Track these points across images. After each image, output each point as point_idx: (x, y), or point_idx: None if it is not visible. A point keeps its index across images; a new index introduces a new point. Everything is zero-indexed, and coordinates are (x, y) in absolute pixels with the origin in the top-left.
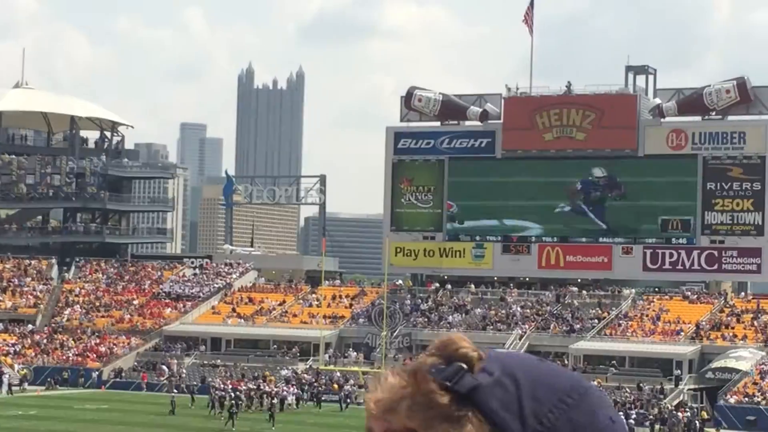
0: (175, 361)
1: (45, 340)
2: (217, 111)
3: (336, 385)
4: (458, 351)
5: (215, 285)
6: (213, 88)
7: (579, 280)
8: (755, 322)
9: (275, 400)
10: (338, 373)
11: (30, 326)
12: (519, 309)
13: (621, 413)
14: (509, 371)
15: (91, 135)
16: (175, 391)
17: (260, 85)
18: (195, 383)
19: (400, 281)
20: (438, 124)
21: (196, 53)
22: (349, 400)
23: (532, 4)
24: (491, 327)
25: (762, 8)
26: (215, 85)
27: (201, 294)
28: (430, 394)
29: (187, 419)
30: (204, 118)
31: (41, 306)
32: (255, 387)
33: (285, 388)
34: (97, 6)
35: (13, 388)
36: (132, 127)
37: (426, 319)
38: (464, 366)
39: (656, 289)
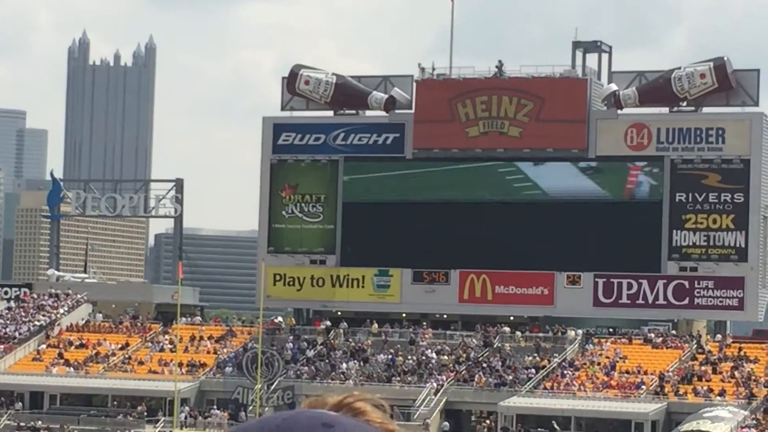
0: None
1: None
2: (41, 94)
3: None
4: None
5: (36, 323)
6: (34, 65)
7: (512, 318)
8: (736, 373)
9: None
10: None
11: None
12: (434, 355)
13: None
14: None
15: None
16: None
17: (97, 60)
18: None
19: (280, 318)
20: (331, 113)
21: (10, 19)
22: None
23: None
24: (398, 378)
25: None
26: (37, 60)
27: (17, 334)
28: None
29: None
30: (22, 104)
31: None
32: None
33: None
34: None
35: None
36: None
37: (314, 368)
38: None
39: (611, 330)
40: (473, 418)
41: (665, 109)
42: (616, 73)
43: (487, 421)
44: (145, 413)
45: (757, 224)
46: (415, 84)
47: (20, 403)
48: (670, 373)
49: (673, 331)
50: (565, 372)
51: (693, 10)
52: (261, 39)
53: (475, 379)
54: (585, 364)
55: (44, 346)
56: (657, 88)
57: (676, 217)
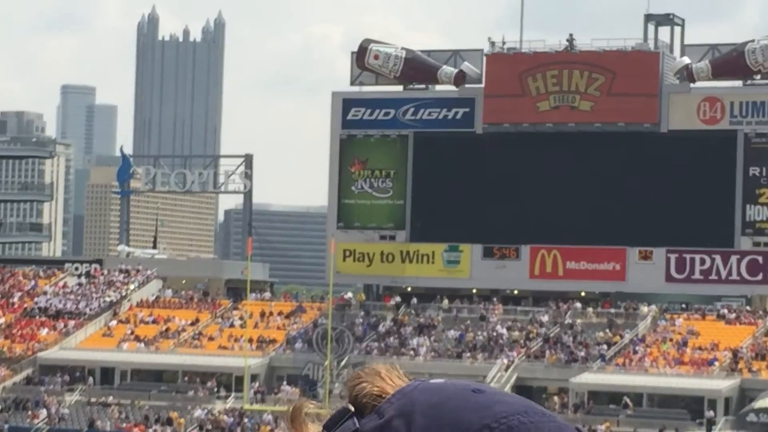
0: (54, 398)
1: None
2: (110, 70)
3: (266, 428)
4: (355, 387)
5: (106, 298)
6: (104, 40)
7: (583, 294)
8: None
9: None
10: (268, 414)
11: None
12: (505, 331)
13: None
14: (407, 411)
15: None
16: None
17: (166, 36)
18: (79, 428)
19: (350, 294)
20: (400, 88)
21: None
22: None
23: None
24: (468, 354)
25: None
26: (107, 36)
27: (88, 310)
28: None
29: None
30: (92, 79)
31: None
32: None
33: None
34: None
35: None
36: None
37: (383, 344)
38: (350, 408)
39: (683, 306)
40: (544, 395)
41: (739, 83)
42: (689, 46)
43: (556, 398)
44: (215, 389)
45: None
46: (485, 58)
47: (91, 379)
48: (744, 350)
49: (747, 307)
50: (637, 348)
51: None
52: (330, 13)
53: (546, 356)
54: (657, 340)
55: (114, 322)
56: (730, 61)
57: (750, 191)
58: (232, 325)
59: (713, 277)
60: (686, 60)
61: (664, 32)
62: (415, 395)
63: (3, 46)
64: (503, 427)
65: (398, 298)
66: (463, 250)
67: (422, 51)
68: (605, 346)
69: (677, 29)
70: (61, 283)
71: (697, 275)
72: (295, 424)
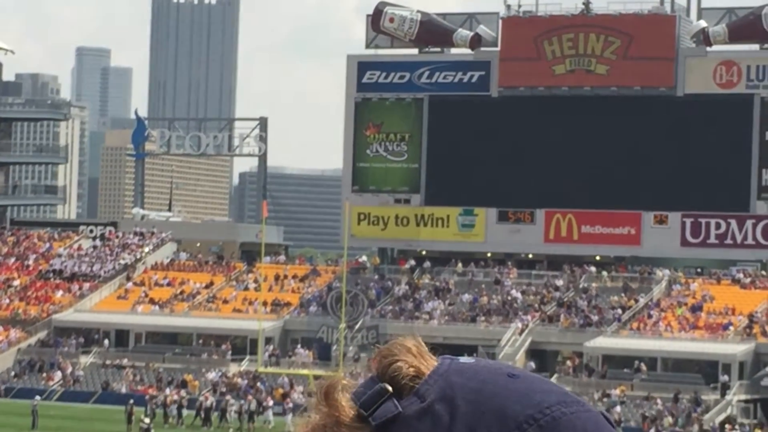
0: (69, 360)
1: None
2: (125, 32)
3: (280, 391)
4: (390, 365)
5: (121, 261)
6: (119, 3)
7: (598, 258)
8: None
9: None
10: (284, 378)
11: None
12: (519, 295)
13: (652, 431)
14: (448, 395)
15: None
16: None
17: None
18: (94, 390)
19: (365, 258)
20: (415, 51)
21: None
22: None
23: None
24: (483, 318)
25: None
26: None
27: (102, 273)
28: (339, 423)
29: None
30: (107, 41)
31: None
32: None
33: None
34: None
35: None
36: (12, 52)
37: (398, 308)
38: (388, 388)
39: (698, 271)
40: (559, 358)
41: (755, 46)
42: (706, 10)
43: (569, 362)
44: (230, 352)
45: None
46: (500, 21)
47: (105, 341)
48: (759, 314)
49: (762, 272)
50: (652, 312)
51: None
52: None
53: (561, 320)
54: (672, 304)
55: (129, 284)
56: (747, 25)
57: (766, 156)
58: (246, 288)
59: (728, 241)
60: (703, 23)
61: None
62: (452, 378)
63: (18, 8)
64: (548, 418)
65: (413, 262)
66: (477, 213)
67: (437, 14)
68: (620, 310)
69: None
70: (75, 246)
71: (712, 239)
72: (329, 401)
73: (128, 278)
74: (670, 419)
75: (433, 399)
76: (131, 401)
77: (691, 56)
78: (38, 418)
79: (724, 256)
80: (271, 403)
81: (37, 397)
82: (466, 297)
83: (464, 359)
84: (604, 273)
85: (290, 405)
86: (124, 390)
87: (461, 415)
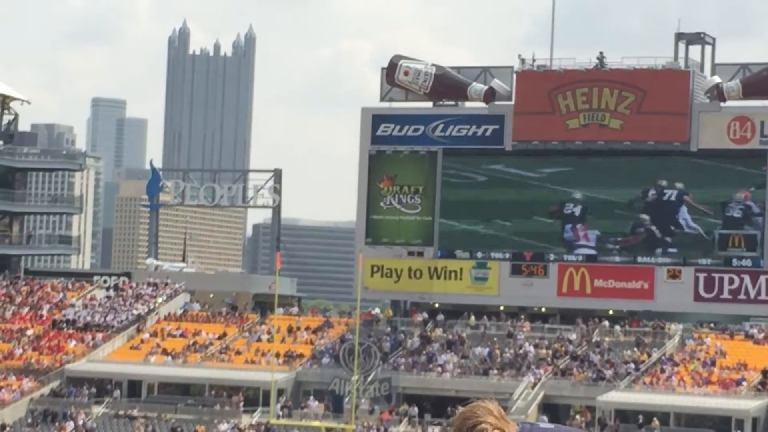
0: (81, 410)
1: None
2: (140, 83)
3: None
4: (475, 427)
5: (134, 311)
6: (134, 54)
7: (611, 312)
8: None
9: None
10: (295, 430)
11: None
12: (532, 348)
13: None
14: None
15: None
16: None
17: (197, 50)
18: None
19: (378, 310)
20: (430, 105)
21: (111, 7)
22: None
23: None
24: (495, 372)
25: None
26: (137, 49)
27: (116, 323)
28: None
29: None
30: (123, 93)
31: None
32: None
33: None
34: None
35: None
36: (28, 102)
37: (411, 360)
38: None
39: (712, 326)
40: (572, 413)
41: None
42: (720, 65)
43: (578, 417)
44: (242, 403)
45: None
46: (515, 75)
47: (118, 392)
48: None
49: None
50: (665, 367)
51: None
52: (359, 28)
53: (573, 373)
54: (685, 359)
55: (143, 335)
56: (761, 81)
57: None
58: (259, 340)
59: (742, 296)
60: (717, 79)
61: (695, 51)
62: None
63: (34, 58)
64: None
65: (426, 315)
66: (491, 267)
67: (452, 67)
68: (633, 365)
69: (708, 48)
70: (89, 296)
71: (725, 294)
72: None
73: (141, 329)
74: None
75: None
76: None
77: (705, 111)
78: None
79: (738, 311)
80: None
81: None
82: (479, 350)
83: (544, 425)
84: (617, 327)
85: None
86: None
87: None
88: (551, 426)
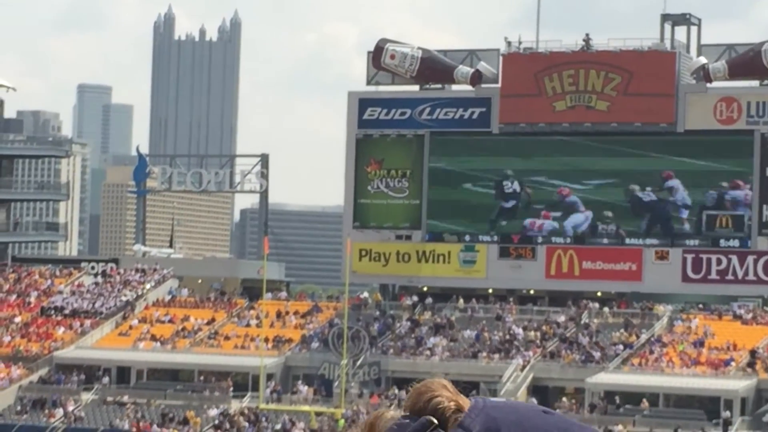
0: (71, 397)
1: None
2: (126, 69)
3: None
4: (431, 402)
5: (122, 298)
6: (120, 40)
7: (599, 294)
8: None
9: None
10: (285, 414)
11: None
12: (521, 331)
13: None
14: (493, 427)
15: None
16: None
17: (182, 35)
18: (95, 427)
19: (366, 294)
20: (416, 88)
21: None
22: None
23: None
24: (484, 354)
25: None
26: (123, 35)
27: (104, 310)
28: None
29: None
30: (108, 79)
31: None
32: None
33: None
34: None
35: None
36: (13, 89)
37: (400, 344)
38: (434, 421)
39: (700, 306)
40: (560, 395)
41: (755, 83)
42: (706, 46)
43: (565, 399)
44: (231, 388)
45: None
46: (501, 58)
47: (107, 378)
48: (761, 350)
49: (764, 307)
50: (654, 348)
51: None
52: (345, 12)
53: (562, 356)
54: (674, 340)
55: (131, 321)
56: (747, 62)
57: (767, 192)
58: (248, 325)
59: (729, 277)
60: (703, 60)
61: (681, 32)
62: (491, 413)
63: (19, 45)
64: None
65: (414, 298)
66: (479, 250)
67: (438, 51)
68: (621, 346)
69: (693, 29)
70: (77, 282)
71: (713, 275)
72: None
73: (129, 315)
74: None
75: (479, 430)
76: None
77: (691, 92)
78: None
79: (726, 292)
80: None
81: None
82: (468, 333)
83: (495, 399)
84: (606, 309)
85: None
86: (126, 427)
87: None
88: (502, 400)
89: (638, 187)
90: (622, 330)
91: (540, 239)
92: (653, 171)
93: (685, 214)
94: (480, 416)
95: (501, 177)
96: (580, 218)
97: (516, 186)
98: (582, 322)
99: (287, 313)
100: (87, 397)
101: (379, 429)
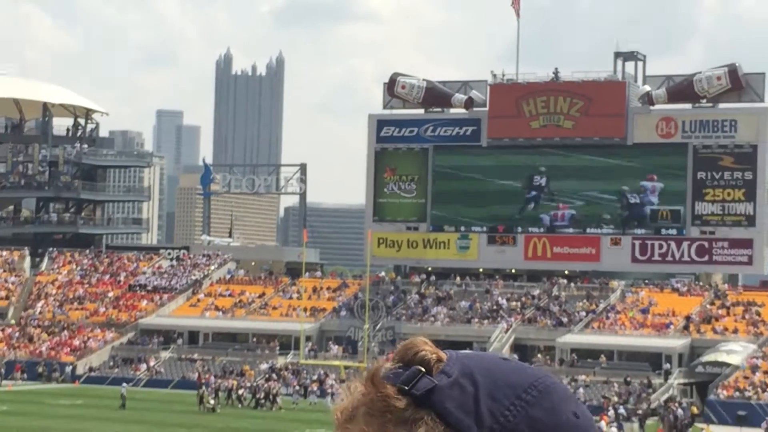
0: (152, 355)
1: (17, 334)
2: (195, 97)
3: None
4: (417, 355)
5: (192, 277)
6: (190, 74)
7: (567, 272)
8: (746, 315)
9: (267, 394)
10: (320, 368)
11: (1, 320)
12: (505, 301)
13: (610, 408)
14: (468, 372)
15: (64, 122)
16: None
17: (239, 71)
18: (172, 378)
19: (383, 273)
20: (422, 111)
21: (171, 38)
22: (330, 397)
23: None
24: (476, 320)
25: None
26: (192, 71)
27: (178, 286)
28: (386, 399)
29: (164, 415)
30: (181, 105)
31: (13, 299)
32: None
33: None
34: None
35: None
36: (107, 114)
37: (410, 312)
38: (422, 369)
39: (645, 281)
40: (536, 351)
41: (689, 105)
42: (650, 77)
43: (540, 355)
44: (278, 348)
45: (763, 196)
46: (488, 87)
47: (180, 340)
48: (694, 316)
49: (696, 282)
50: (609, 315)
51: (709, 26)
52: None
53: (538, 321)
54: (625, 308)
55: (199, 295)
56: (682, 89)
57: (698, 191)
58: (291, 298)
59: (669, 258)
60: (647, 88)
61: (630, 66)
62: (465, 361)
63: (111, 80)
64: (543, 386)
65: (422, 276)
66: (472, 238)
67: (439, 81)
68: (584, 313)
69: (640, 63)
70: (157, 265)
71: (656, 257)
72: (376, 382)
73: (197, 290)
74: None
75: (458, 375)
76: (203, 387)
77: (638, 113)
78: (126, 401)
79: (666, 270)
80: (314, 388)
81: (124, 384)
82: (464, 303)
83: (466, 351)
84: (572, 284)
85: (330, 390)
86: (195, 378)
87: (481, 385)
88: (471, 352)
89: (596, 187)
90: (584, 300)
91: (520, 229)
92: (609, 174)
93: (634, 208)
94: (456, 364)
95: (494, 177)
96: (555, 211)
97: (506, 187)
98: (553, 294)
99: (321, 288)
100: (165, 355)
101: (378, 378)
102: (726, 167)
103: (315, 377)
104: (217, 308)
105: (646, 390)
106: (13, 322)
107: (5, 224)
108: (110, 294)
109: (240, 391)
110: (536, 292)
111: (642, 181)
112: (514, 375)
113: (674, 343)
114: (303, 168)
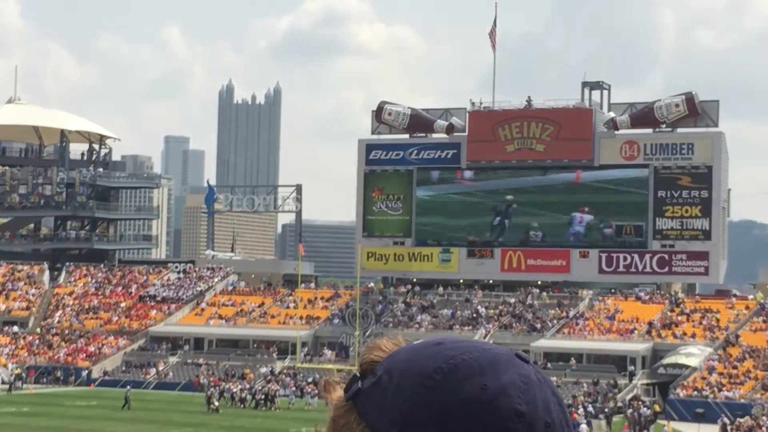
0: (161, 360)
1: (37, 341)
2: (199, 124)
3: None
4: (364, 359)
5: (198, 288)
6: (195, 103)
7: (539, 282)
8: (703, 321)
9: (265, 396)
10: (315, 372)
11: (22, 328)
12: (483, 309)
13: (580, 406)
14: (390, 367)
15: (80, 147)
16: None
17: (240, 100)
18: (179, 381)
19: (372, 284)
20: (407, 136)
21: (178, 70)
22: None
23: (495, 22)
24: (457, 326)
25: (704, 28)
26: (197, 100)
27: (184, 297)
28: (334, 408)
29: (172, 415)
30: (187, 131)
31: (33, 309)
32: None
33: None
34: (80, 25)
35: (14, 385)
36: (119, 140)
37: (396, 320)
38: (357, 374)
39: (611, 291)
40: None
41: (650, 130)
42: (614, 104)
43: None
44: (276, 353)
45: (717, 213)
46: (468, 114)
47: (186, 346)
48: (655, 322)
49: (657, 291)
50: (579, 321)
51: (668, 58)
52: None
53: (514, 327)
54: (593, 315)
55: (204, 305)
56: (644, 115)
57: (659, 208)
58: (288, 307)
59: (633, 270)
60: (612, 114)
61: (596, 94)
62: (396, 356)
63: (122, 108)
64: (450, 366)
65: (409, 286)
66: (453, 251)
67: (422, 109)
68: (556, 320)
69: (605, 92)
70: (165, 278)
71: (621, 268)
72: (328, 389)
73: (202, 301)
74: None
75: (381, 373)
76: (211, 389)
77: (604, 137)
78: (131, 402)
79: (630, 280)
80: (310, 389)
81: (128, 386)
82: (446, 311)
83: (416, 341)
84: (544, 293)
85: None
86: (201, 381)
87: (395, 378)
88: (421, 340)
89: (566, 203)
90: (556, 308)
91: (497, 243)
92: (577, 193)
93: (600, 224)
94: (385, 361)
95: (472, 197)
96: (527, 228)
97: (484, 205)
98: (527, 302)
99: (316, 298)
100: (172, 359)
101: (328, 386)
102: (684, 186)
103: (310, 379)
104: (220, 317)
105: (613, 390)
106: (35, 330)
107: (26, 241)
108: (122, 304)
109: (242, 393)
110: (512, 300)
111: (607, 198)
112: (429, 360)
113: (638, 347)
114: (298, 188)
